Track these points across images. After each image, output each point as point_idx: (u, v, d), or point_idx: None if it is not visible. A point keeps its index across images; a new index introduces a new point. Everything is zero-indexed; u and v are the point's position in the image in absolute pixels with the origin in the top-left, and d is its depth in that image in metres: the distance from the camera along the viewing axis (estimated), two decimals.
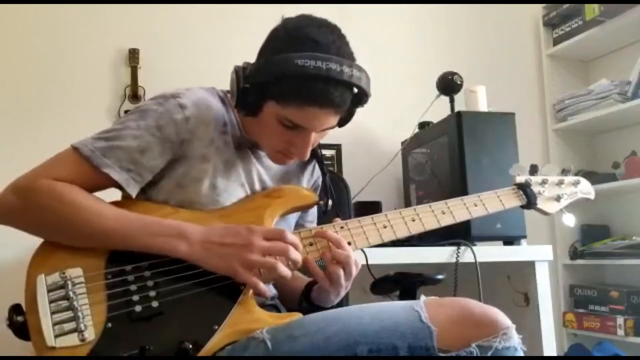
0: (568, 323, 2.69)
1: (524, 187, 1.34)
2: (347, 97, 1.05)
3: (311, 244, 1.09)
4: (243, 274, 0.97)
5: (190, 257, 0.99)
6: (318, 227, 1.13)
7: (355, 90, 1.06)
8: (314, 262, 1.06)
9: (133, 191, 1.06)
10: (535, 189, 1.36)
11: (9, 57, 2.10)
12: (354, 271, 1.06)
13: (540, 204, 1.35)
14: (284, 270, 0.99)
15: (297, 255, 1.01)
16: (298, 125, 1.05)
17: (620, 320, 2.45)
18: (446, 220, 1.22)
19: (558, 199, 1.38)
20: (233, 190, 1.13)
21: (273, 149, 1.13)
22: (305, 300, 1.18)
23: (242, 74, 1.05)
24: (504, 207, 1.30)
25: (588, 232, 2.73)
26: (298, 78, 1.00)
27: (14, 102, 2.09)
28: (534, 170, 1.39)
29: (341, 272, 1.04)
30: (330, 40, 1.04)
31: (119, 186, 1.06)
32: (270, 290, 1.20)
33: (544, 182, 1.38)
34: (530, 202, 1.33)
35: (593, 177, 2.44)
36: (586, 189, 1.44)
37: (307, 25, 1.06)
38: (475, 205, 1.26)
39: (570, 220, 1.41)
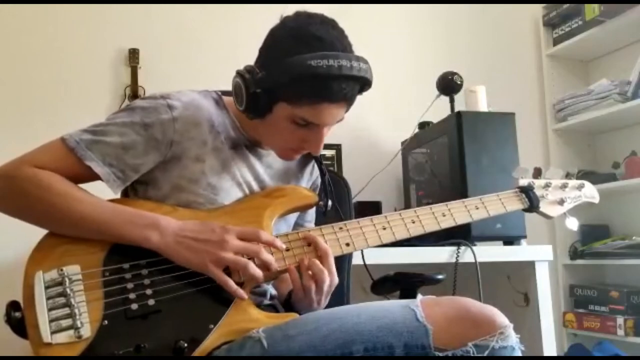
0: (568, 323, 2.69)
1: (527, 190, 1.33)
2: (356, 90, 1.08)
3: (288, 250, 1.07)
4: (213, 271, 0.97)
5: (161, 249, 0.99)
6: (314, 228, 1.13)
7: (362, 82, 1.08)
8: (294, 269, 1.05)
9: (114, 188, 1.07)
10: (539, 192, 1.34)
11: (8, 57, 2.11)
12: (326, 288, 1.05)
13: (543, 207, 1.34)
14: (255, 270, 0.98)
15: (268, 257, 1.01)
16: (311, 123, 1.07)
17: (620, 320, 2.45)
18: (446, 223, 1.21)
19: (561, 202, 1.37)
20: (231, 190, 1.13)
21: (284, 148, 1.14)
22: (285, 304, 1.17)
23: (252, 79, 1.05)
24: (506, 210, 1.29)
25: (588, 232, 2.73)
26: (312, 78, 1.01)
27: (14, 102, 2.09)
28: (537, 173, 1.38)
29: (312, 286, 1.04)
30: (333, 36, 1.05)
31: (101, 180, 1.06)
32: (268, 290, 1.20)
33: (547, 186, 1.36)
34: (532, 205, 1.32)
35: (593, 177, 2.44)
36: (590, 192, 1.43)
37: (309, 24, 1.06)
38: (477, 208, 1.25)
39: (573, 224, 1.40)
